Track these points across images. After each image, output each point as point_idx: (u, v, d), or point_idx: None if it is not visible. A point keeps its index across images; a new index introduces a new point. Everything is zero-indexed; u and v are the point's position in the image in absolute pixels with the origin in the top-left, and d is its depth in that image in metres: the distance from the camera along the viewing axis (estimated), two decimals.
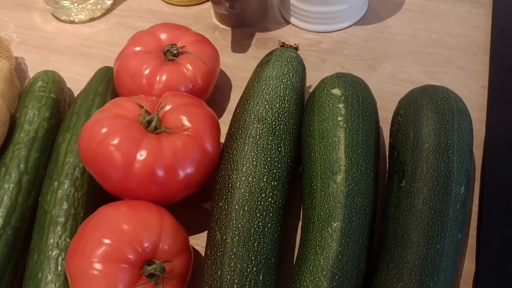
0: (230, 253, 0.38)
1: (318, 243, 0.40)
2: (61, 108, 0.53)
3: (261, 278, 0.37)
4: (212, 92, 0.54)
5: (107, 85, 0.53)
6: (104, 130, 0.41)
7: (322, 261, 0.39)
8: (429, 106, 0.45)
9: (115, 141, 0.41)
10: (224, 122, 0.48)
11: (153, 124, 0.43)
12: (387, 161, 0.47)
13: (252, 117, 0.45)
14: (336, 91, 0.47)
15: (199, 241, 0.46)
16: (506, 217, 0.45)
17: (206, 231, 0.42)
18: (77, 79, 0.59)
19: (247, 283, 0.37)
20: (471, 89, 0.56)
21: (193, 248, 0.45)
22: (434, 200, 0.40)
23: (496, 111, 0.53)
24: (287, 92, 0.47)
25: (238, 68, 0.59)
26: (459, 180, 0.42)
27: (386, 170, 0.47)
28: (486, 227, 0.45)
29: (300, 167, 0.48)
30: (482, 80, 0.56)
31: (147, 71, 0.50)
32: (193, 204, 0.48)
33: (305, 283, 0.38)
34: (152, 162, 0.41)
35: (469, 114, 0.46)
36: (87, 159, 0.42)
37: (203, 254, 0.43)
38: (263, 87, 0.47)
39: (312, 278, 0.38)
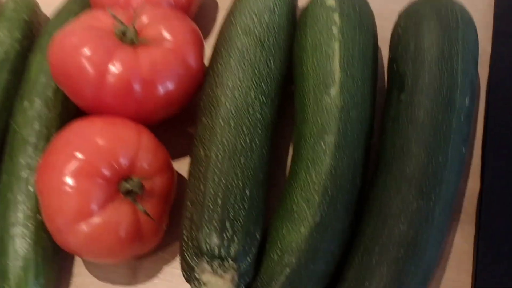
0: (214, 168, 0.35)
1: (310, 158, 0.37)
2: (34, 31, 0.49)
3: (248, 193, 0.34)
4: (196, 13, 0.50)
5: (83, 5, 0.49)
6: (74, 39, 0.38)
7: (314, 176, 0.36)
8: (432, 15, 0.41)
9: (87, 51, 0.37)
10: (210, 45, 0.44)
11: (128, 35, 0.39)
12: (386, 78, 0.44)
13: (239, 29, 0.41)
14: (331, 2, 0.42)
15: (183, 165, 0.43)
16: None
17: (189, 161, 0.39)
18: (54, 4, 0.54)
19: (232, 197, 0.34)
20: (477, 6, 0.51)
21: (178, 173, 0.42)
22: (436, 111, 0.37)
23: (504, 28, 0.49)
24: (277, 4, 0.43)
25: None
26: (463, 91, 0.38)
27: (384, 89, 0.44)
28: (492, 145, 0.42)
29: (292, 84, 0.44)
30: None
31: None
32: (176, 127, 0.45)
33: (295, 199, 0.35)
34: (127, 75, 0.37)
35: (474, 24, 0.42)
36: (57, 73, 0.39)
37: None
38: None
39: (303, 193, 0.35)
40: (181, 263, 0.33)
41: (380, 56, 0.48)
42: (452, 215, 0.38)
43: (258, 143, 0.38)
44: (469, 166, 0.42)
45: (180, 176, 0.42)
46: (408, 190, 0.34)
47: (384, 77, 0.45)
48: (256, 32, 0.41)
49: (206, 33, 0.51)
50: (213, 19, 0.53)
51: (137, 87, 0.38)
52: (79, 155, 0.34)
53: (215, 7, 0.54)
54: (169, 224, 0.39)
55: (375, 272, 0.32)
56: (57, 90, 0.42)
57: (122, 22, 0.39)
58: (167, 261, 0.40)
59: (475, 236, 0.39)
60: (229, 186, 0.34)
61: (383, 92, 0.43)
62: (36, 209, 0.37)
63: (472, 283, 0.37)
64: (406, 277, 0.32)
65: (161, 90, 0.39)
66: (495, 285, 0.36)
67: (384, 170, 0.37)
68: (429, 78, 0.38)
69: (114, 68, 0.37)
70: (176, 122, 0.45)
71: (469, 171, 0.42)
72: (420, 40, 0.40)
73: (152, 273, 0.40)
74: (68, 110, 0.42)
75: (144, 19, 0.41)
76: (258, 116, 0.38)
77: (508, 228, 0.37)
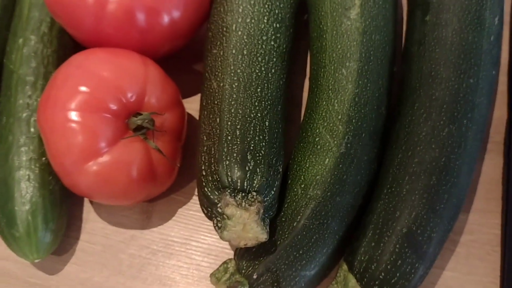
0: (230, 100, 0.33)
1: (331, 87, 0.34)
2: None
3: (267, 124, 0.32)
4: None
5: None
6: None
7: (336, 105, 0.33)
8: None
9: None
10: None
11: None
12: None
13: None
14: None
15: (193, 105, 0.41)
16: None
17: (200, 94, 0.36)
18: None
19: (252, 128, 0.31)
20: None
21: (188, 113, 0.39)
22: (465, 31, 0.34)
23: None
24: None
25: None
26: (493, 9, 0.35)
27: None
28: None
29: (305, 14, 0.41)
30: None
31: None
32: (182, 65, 0.42)
33: (318, 130, 0.33)
34: (129, 2, 0.34)
35: None
36: (53, 3, 0.35)
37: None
38: None
39: (325, 124, 0.33)
40: (200, 200, 0.31)
41: None
42: (484, 137, 0.36)
43: (274, 72, 0.35)
44: (496, 93, 0.40)
45: (189, 115, 0.40)
46: (439, 115, 0.32)
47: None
48: None
49: None
50: None
51: (140, 15, 0.35)
52: (83, 88, 0.32)
53: None
54: (181, 165, 0.37)
55: (405, 202, 0.31)
56: (52, 25, 0.39)
57: None
58: (182, 203, 0.38)
59: (504, 166, 0.37)
60: (247, 117, 0.32)
61: (403, 17, 0.40)
62: (40, 151, 0.35)
63: (502, 211, 0.35)
64: (439, 205, 0.30)
65: (165, 18, 0.36)
66: None
67: (411, 97, 0.34)
68: None
69: None
70: (181, 59, 0.42)
71: (495, 98, 0.40)
72: None
73: (167, 216, 0.38)
74: (66, 46, 0.39)
75: None
76: (273, 43, 0.36)
77: None
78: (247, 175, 0.29)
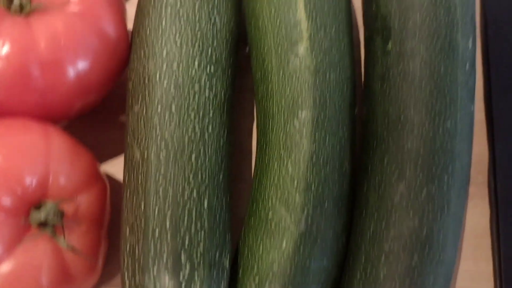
0: (157, 176, 0.26)
1: (282, 143, 0.28)
2: None
3: (206, 206, 0.26)
4: None
5: None
6: None
7: (290, 168, 0.27)
8: None
9: None
10: (133, 4, 0.33)
11: (16, 1, 0.28)
12: (363, 21, 0.35)
13: None
14: None
15: (118, 167, 0.34)
16: None
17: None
18: None
19: (186, 215, 0.25)
20: None
21: (113, 179, 0.32)
22: (436, 61, 0.29)
23: None
24: None
25: None
26: (465, 31, 0.30)
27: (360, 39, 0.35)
28: (499, 98, 0.34)
29: (246, 46, 0.34)
30: None
31: None
32: (103, 118, 0.35)
33: (270, 202, 0.27)
34: (20, 56, 0.27)
35: None
36: None
37: None
38: None
39: (279, 193, 0.27)
40: None
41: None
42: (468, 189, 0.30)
43: (212, 130, 0.28)
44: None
45: (116, 182, 0.33)
46: (414, 172, 0.26)
47: (358, 21, 0.36)
48: None
49: None
50: None
51: (35, 71, 0.28)
52: None
53: None
54: (109, 248, 0.30)
55: None
56: None
57: None
58: None
59: (491, 213, 0.32)
60: (180, 199, 0.25)
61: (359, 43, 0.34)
62: None
63: (494, 269, 0.30)
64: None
65: (70, 71, 0.28)
66: None
67: (379, 148, 0.28)
68: (421, 17, 0.30)
69: (1, 49, 0.27)
70: (103, 111, 0.34)
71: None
72: None
73: None
74: None
75: None
76: (208, 93, 0.29)
77: None
78: (182, 284, 0.23)
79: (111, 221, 0.30)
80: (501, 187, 0.31)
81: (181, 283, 0.23)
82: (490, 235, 0.31)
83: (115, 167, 0.34)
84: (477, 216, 0.32)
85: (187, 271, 0.23)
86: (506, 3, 0.37)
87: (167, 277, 0.23)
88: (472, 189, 0.33)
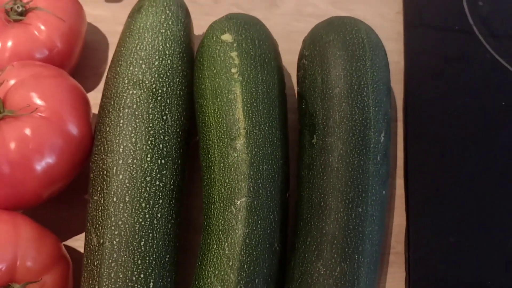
0: (110, 261, 0.30)
1: (221, 227, 0.33)
2: None
3: (151, 285, 0.30)
4: (81, 55, 0.44)
5: None
6: None
7: (227, 249, 0.32)
8: (336, 42, 0.38)
9: None
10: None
11: None
12: (298, 114, 0.40)
13: (126, 81, 0.36)
14: (226, 37, 0.38)
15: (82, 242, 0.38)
16: (435, 160, 0.40)
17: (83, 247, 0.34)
18: None
19: None
20: (386, 16, 0.49)
21: (76, 251, 0.36)
22: (350, 155, 0.34)
23: (414, 37, 0.47)
24: (167, 45, 0.38)
25: (115, 21, 0.48)
26: (377, 127, 0.36)
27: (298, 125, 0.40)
28: (414, 174, 0.40)
29: (197, 136, 0.40)
30: (396, 5, 0.50)
31: None
32: (71, 198, 0.39)
33: (209, 279, 0.31)
34: None
35: (383, 46, 0.39)
36: None
37: None
38: (136, 41, 0.38)
39: (216, 272, 0.31)
40: None
41: (291, 85, 0.45)
42: (379, 264, 0.35)
43: (160, 216, 0.33)
44: (393, 198, 0.40)
45: (79, 254, 0.37)
46: (330, 252, 0.31)
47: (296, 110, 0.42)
48: (146, 82, 0.36)
49: (97, 76, 0.45)
50: (104, 59, 0.47)
51: (5, 169, 0.32)
52: None
53: (105, 43, 0.48)
54: None
55: None
56: None
57: None
58: None
59: (406, 280, 0.36)
60: (129, 282, 0.30)
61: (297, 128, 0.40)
62: None
63: None
64: None
65: (38, 168, 0.33)
66: None
67: (304, 229, 0.33)
68: (340, 116, 0.35)
69: None
70: (70, 192, 0.39)
71: (393, 205, 0.40)
72: (327, 73, 0.37)
73: None
74: None
75: (11, 82, 0.35)
76: (158, 183, 0.34)
77: (438, 273, 0.35)
78: None
79: None
80: (412, 257, 0.36)
81: None
82: None
83: (78, 242, 0.38)
84: (396, 282, 0.36)
85: None
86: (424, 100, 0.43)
87: None
88: (391, 258, 0.38)
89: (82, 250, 0.37)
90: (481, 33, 0.46)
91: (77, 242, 0.38)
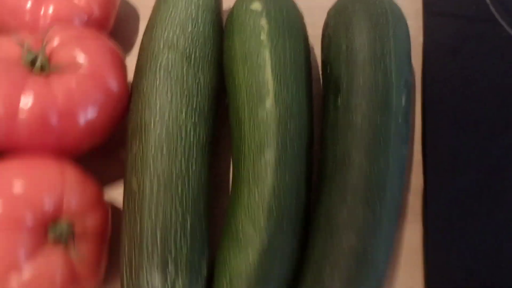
0: (150, 202, 0.33)
1: (251, 177, 0.35)
2: None
3: (188, 226, 0.32)
4: (114, 25, 0.46)
5: None
6: None
7: (257, 197, 0.34)
8: (361, 12, 0.40)
9: None
10: (134, 59, 0.41)
11: (38, 63, 0.35)
12: (321, 81, 0.42)
13: (161, 45, 0.39)
14: (256, 6, 0.40)
15: (119, 194, 0.40)
16: (451, 127, 0.42)
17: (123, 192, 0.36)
18: None
19: (173, 232, 0.31)
20: None
21: (113, 205, 0.39)
22: (373, 114, 0.36)
23: (432, 22, 0.49)
24: (200, 12, 0.41)
25: None
26: (399, 91, 0.38)
27: (321, 92, 0.43)
28: (431, 140, 0.42)
29: (226, 98, 0.42)
30: None
31: (28, 4, 0.41)
32: (108, 154, 0.42)
33: (241, 222, 0.34)
34: (41, 109, 0.34)
35: (404, 18, 0.42)
36: None
37: None
38: (171, 9, 0.40)
39: (247, 216, 0.34)
40: None
41: (313, 57, 0.47)
42: (399, 215, 0.37)
43: (195, 167, 0.35)
44: (411, 162, 0.42)
45: (116, 208, 0.39)
46: (354, 201, 0.34)
47: (320, 79, 0.44)
48: (180, 46, 0.39)
49: (128, 47, 0.48)
50: (135, 30, 0.49)
51: (54, 120, 0.35)
52: None
53: (135, 16, 0.50)
54: (108, 263, 0.36)
55: None
56: None
57: (30, 49, 0.36)
58: None
59: (423, 235, 0.39)
60: (168, 220, 0.32)
61: (320, 96, 0.42)
62: None
63: (424, 282, 0.37)
64: None
65: (81, 120, 0.36)
66: (447, 284, 0.36)
67: (328, 182, 0.35)
68: (363, 80, 0.37)
69: (26, 102, 0.34)
70: (107, 148, 0.41)
71: (412, 167, 0.42)
72: (351, 41, 0.39)
73: None
74: None
75: (55, 42, 0.37)
76: (192, 138, 0.36)
77: (455, 224, 0.37)
78: (168, 283, 0.29)
79: (111, 237, 0.36)
80: (430, 214, 0.38)
81: (166, 281, 0.29)
82: (422, 252, 0.38)
83: (115, 192, 0.40)
84: (413, 237, 0.39)
85: (172, 273, 0.30)
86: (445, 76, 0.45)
87: (156, 277, 0.29)
88: (409, 216, 0.40)
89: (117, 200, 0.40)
90: (500, 15, 0.48)
91: (113, 193, 0.40)
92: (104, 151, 0.41)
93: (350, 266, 0.32)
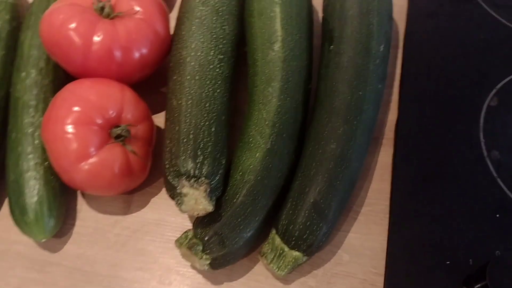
0: (185, 113, 0.44)
1: (261, 101, 0.47)
2: (19, 13, 0.56)
3: (213, 130, 0.44)
4: None
5: None
6: (62, 16, 0.46)
7: (264, 114, 0.46)
8: None
9: (73, 25, 0.45)
10: (173, 18, 0.53)
11: (106, 10, 0.48)
12: (321, 33, 0.53)
13: (197, 1, 0.50)
14: None
15: (160, 119, 0.52)
16: (424, 75, 0.53)
17: (165, 110, 0.48)
18: None
19: (201, 133, 0.43)
20: None
21: (156, 126, 0.51)
22: (356, 57, 0.47)
23: None
24: None
25: None
26: (378, 40, 0.48)
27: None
28: (407, 84, 0.52)
29: (245, 46, 0.53)
30: None
31: None
32: (151, 87, 0.54)
33: (251, 132, 0.45)
34: (108, 43, 0.46)
35: None
36: (49, 45, 0.47)
37: None
38: None
39: (256, 128, 0.45)
40: (166, 186, 0.43)
41: (317, 19, 0.58)
42: (375, 139, 0.48)
43: (219, 92, 0.47)
44: (389, 102, 0.53)
45: (157, 127, 0.52)
46: (336, 118, 0.45)
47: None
48: (212, 2, 0.50)
49: (169, 6, 0.60)
50: None
51: (117, 53, 0.47)
52: (76, 108, 0.43)
53: None
54: (151, 164, 0.48)
55: (313, 181, 0.43)
56: (48, 61, 0.50)
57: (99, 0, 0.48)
58: (154, 194, 0.50)
59: (393, 155, 0.50)
60: (198, 125, 0.44)
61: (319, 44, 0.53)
62: (43, 157, 0.46)
63: (391, 188, 0.48)
64: (336, 182, 0.43)
65: (136, 54, 0.48)
66: (410, 187, 0.47)
67: (319, 106, 0.47)
68: (351, 31, 0.48)
69: (97, 38, 0.46)
70: (151, 83, 0.54)
71: (390, 106, 0.53)
72: (344, 0, 0.50)
73: (143, 204, 0.50)
74: (59, 77, 0.51)
75: None
76: (218, 71, 0.48)
77: (420, 146, 0.48)
78: (197, 166, 0.41)
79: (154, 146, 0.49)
80: (399, 138, 0.49)
81: (197, 165, 0.41)
82: (391, 168, 0.49)
83: (155, 119, 0.52)
84: (386, 157, 0.50)
85: (200, 159, 0.41)
86: (424, 35, 0.55)
87: (189, 161, 0.41)
88: (384, 141, 0.51)
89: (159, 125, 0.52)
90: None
91: (155, 119, 0.52)
92: (148, 85, 0.53)
93: (330, 165, 0.43)
